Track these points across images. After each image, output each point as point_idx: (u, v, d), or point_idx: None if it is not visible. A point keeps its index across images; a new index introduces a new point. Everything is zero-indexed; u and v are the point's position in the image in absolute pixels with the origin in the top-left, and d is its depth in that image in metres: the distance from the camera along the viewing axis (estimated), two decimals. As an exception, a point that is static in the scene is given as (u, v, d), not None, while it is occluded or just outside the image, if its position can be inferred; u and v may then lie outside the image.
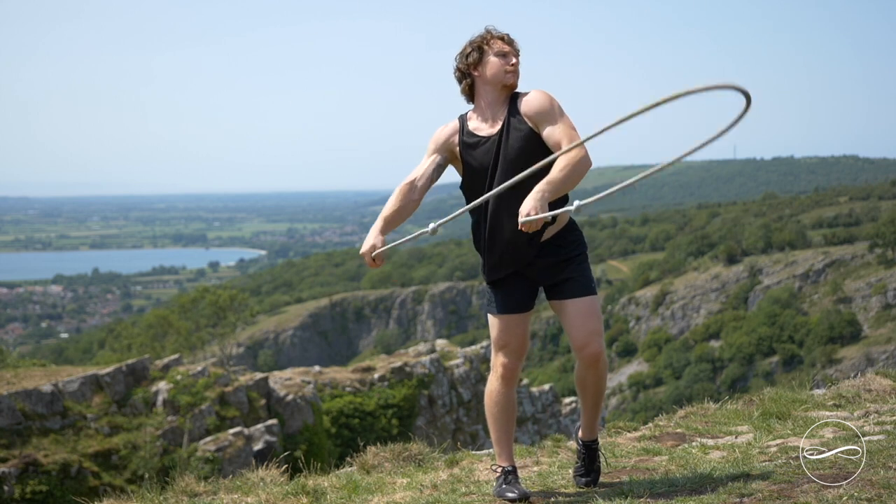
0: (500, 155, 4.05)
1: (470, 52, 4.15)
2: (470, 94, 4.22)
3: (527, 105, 4.06)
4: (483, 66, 4.13)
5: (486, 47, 4.13)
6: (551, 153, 3.97)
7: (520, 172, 3.74)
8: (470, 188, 4.18)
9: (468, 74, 4.18)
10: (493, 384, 4.21)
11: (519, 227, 3.85)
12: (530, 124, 4.04)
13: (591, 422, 4.35)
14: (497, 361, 4.20)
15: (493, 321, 4.20)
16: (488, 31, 4.18)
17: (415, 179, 4.23)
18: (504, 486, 4.11)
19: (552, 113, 4.01)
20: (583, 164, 3.88)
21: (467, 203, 4.13)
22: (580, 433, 4.41)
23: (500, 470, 4.18)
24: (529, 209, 3.76)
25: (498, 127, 4.09)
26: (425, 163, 4.26)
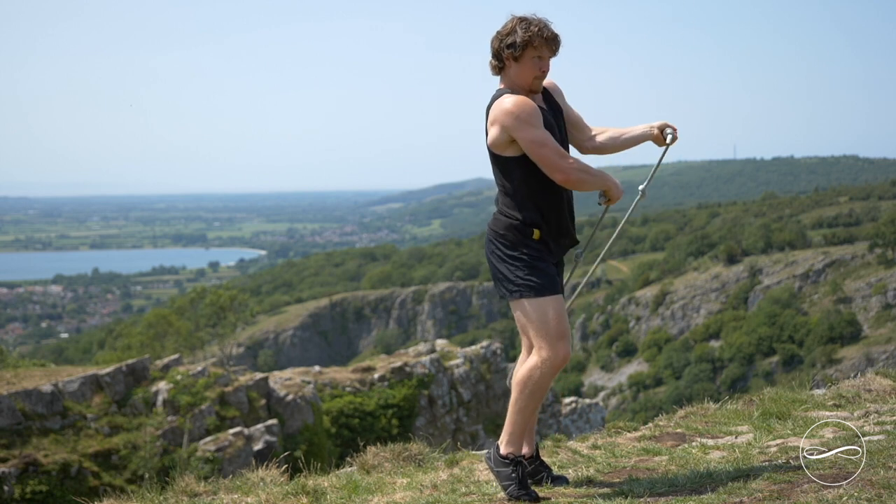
0: (559, 127, 4.27)
1: (512, 45, 4.12)
2: (498, 71, 4.27)
3: (549, 85, 4.40)
4: (518, 64, 4.15)
5: (530, 47, 4.11)
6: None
7: (566, 143, 4.32)
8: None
9: (502, 60, 4.20)
10: (542, 371, 4.06)
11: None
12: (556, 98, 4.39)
13: (532, 433, 4.36)
14: (558, 353, 4.03)
15: (549, 304, 4.06)
16: (540, 30, 4.12)
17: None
18: (518, 488, 4.08)
19: (562, 94, 4.46)
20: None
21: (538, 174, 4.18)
22: (528, 450, 4.28)
23: (513, 457, 4.13)
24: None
25: (541, 101, 4.28)
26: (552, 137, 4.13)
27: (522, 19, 4.13)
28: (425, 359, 28.15)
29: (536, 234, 4.12)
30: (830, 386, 6.21)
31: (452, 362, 28.84)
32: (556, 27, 4.19)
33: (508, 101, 4.09)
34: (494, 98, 4.19)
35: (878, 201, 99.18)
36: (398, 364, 27.88)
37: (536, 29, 4.09)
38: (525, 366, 4.12)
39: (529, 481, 4.21)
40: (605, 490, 4.10)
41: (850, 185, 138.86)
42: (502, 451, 4.16)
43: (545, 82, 4.32)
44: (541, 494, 4.11)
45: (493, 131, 4.13)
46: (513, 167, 4.14)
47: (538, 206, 4.12)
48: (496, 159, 4.19)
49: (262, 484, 4.92)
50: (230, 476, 5.39)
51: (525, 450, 4.32)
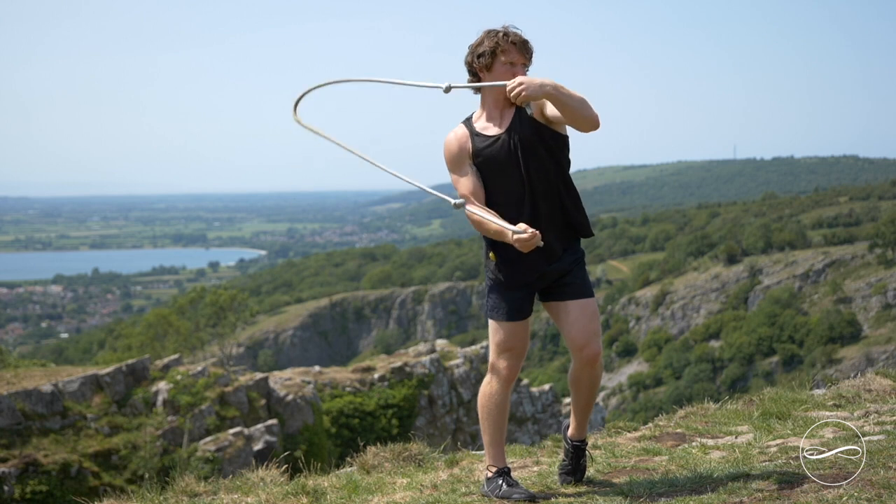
0: (520, 148, 4.06)
1: (481, 55, 4.10)
2: (476, 89, 4.21)
3: None
4: (491, 74, 4.11)
5: (498, 53, 4.08)
6: (559, 137, 4.12)
7: (541, 161, 4.02)
8: (494, 187, 4.12)
9: (475, 74, 4.17)
10: (492, 386, 4.21)
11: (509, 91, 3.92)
12: (536, 113, 4.13)
13: (582, 422, 4.39)
14: (500, 364, 4.18)
15: (498, 327, 4.18)
16: (505, 36, 4.09)
17: (474, 195, 4.11)
18: (508, 487, 4.10)
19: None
20: (587, 104, 3.95)
21: (491, 203, 4.13)
22: (570, 432, 4.42)
23: (494, 471, 4.18)
24: (520, 81, 3.88)
25: (507, 123, 4.11)
26: (470, 177, 4.12)
27: (490, 30, 4.14)
28: (425, 359, 28.15)
29: (492, 256, 4.17)
30: (830, 386, 6.22)
31: (452, 362, 28.85)
32: (528, 35, 4.14)
33: (445, 142, 4.20)
34: None
35: (878, 201, 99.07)
36: (398, 364, 27.89)
37: (502, 34, 4.08)
38: (482, 383, 4.29)
39: (570, 463, 4.34)
40: (605, 490, 4.11)
41: (850, 185, 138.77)
42: (489, 474, 4.22)
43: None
44: (540, 494, 4.13)
45: None
46: None
47: None
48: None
49: (262, 484, 4.92)
50: (230, 476, 5.39)
51: (570, 431, 4.40)
